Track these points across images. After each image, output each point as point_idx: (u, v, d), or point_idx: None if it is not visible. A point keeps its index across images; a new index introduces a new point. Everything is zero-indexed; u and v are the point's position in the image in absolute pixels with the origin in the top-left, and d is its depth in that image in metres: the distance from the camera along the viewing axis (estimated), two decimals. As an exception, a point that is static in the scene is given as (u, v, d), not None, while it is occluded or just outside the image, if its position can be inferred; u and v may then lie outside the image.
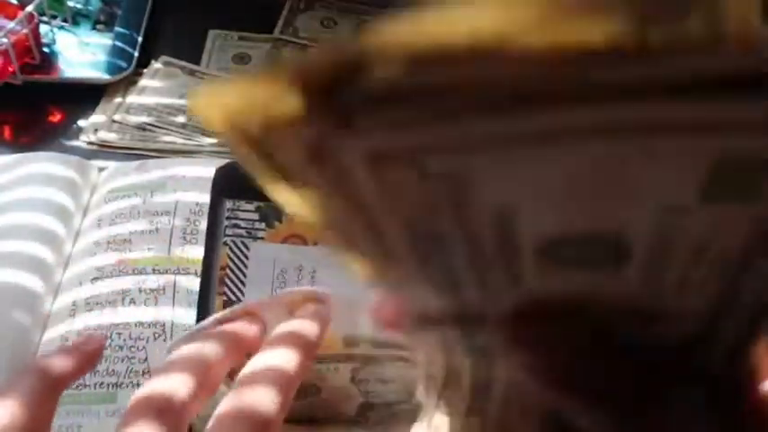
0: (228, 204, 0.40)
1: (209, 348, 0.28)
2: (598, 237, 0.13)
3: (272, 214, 0.40)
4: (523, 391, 0.18)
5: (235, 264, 0.39)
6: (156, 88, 0.62)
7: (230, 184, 0.41)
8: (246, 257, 0.39)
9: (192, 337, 0.29)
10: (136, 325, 0.45)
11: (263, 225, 0.40)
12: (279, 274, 0.39)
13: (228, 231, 0.40)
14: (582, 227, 0.13)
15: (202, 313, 0.38)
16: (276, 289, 0.39)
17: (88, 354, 0.30)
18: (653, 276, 0.14)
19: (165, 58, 0.65)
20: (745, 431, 0.16)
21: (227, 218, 0.40)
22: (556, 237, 0.13)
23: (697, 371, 0.16)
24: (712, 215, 0.12)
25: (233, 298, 0.38)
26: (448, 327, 0.18)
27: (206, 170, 0.54)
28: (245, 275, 0.39)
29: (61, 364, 0.29)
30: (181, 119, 0.60)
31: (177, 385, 0.26)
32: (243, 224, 0.40)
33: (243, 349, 0.29)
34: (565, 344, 0.16)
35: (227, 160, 0.43)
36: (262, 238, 0.40)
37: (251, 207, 0.40)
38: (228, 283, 0.38)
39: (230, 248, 0.39)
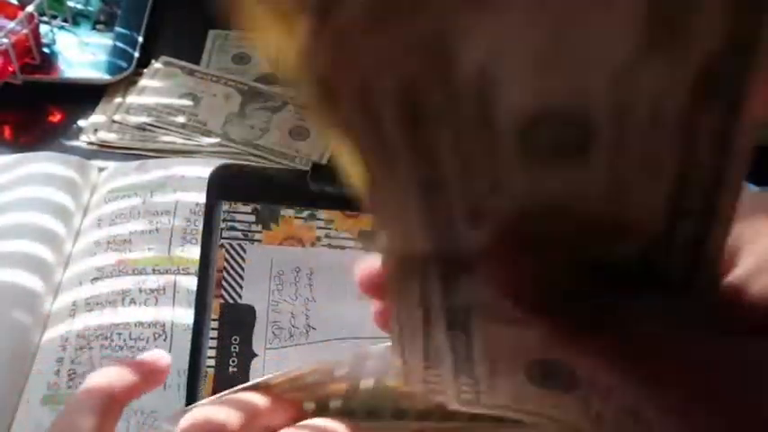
0: (225, 206, 0.40)
1: (257, 399, 0.28)
2: (568, 116, 0.14)
3: (268, 216, 0.40)
4: (505, 345, 0.20)
5: (231, 266, 0.39)
6: (155, 88, 0.62)
7: (226, 186, 0.41)
8: (243, 260, 0.39)
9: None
10: (136, 325, 0.45)
11: (259, 227, 0.39)
12: (276, 275, 0.39)
13: (225, 234, 0.39)
14: (551, 101, 0.14)
15: (200, 315, 0.38)
16: (273, 291, 0.39)
17: (154, 371, 0.30)
18: (617, 157, 0.15)
19: (165, 58, 0.65)
20: (719, 323, 0.17)
21: (224, 220, 0.39)
22: (530, 113, 0.14)
23: (656, 279, 0.17)
24: (656, 68, 0.13)
25: (230, 300, 0.38)
26: (430, 276, 0.19)
27: (206, 170, 0.54)
28: (242, 278, 0.39)
29: (126, 379, 0.29)
30: (181, 119, 0.60)
31: (230, 418, 0.27)
32: (239, 226, 0.39)
33: (285, 412, 0.29)
34: (542, 269, 0.17)
35: (224, 161, 0.43)
36: (259, 241, 0.40)
37: (247, 209, 0.40)
38: (225, 285, 0.38)
39: (227, 250, 0.39)
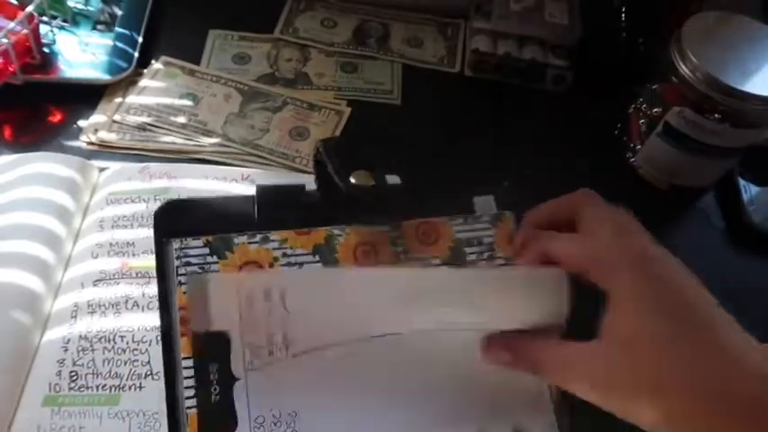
0: (176, 244, 0.38)
1: None
2: None
3: (222, 246, 0.38)
4: None
5: (196, 300, 0.37)
6: (156, 88, 0.62)
7: (173, 223, 0.39)
8: (207, 290, 0.37)
9: None
10: (139, 328, 0.45)
11: (214, 258, 0.38)
12: (245, 300, 0.37)
13: (181, 270, 0.38)
14: None
15: (168, 358, 0.36)
16: (243, 311, 0.37)
17: None
18: None
19: (165, 58, 0.65)
20: None
21: (177, 257, 0.38)
22: None
23: None
24: None
25: (200, 330, 0.37)
26: None
27: (209, 179, 0.54)
28: (209, 309, 0.37)
29: None
30: (181, 119, 0.60)
31: None
32: (194, 260, 0.38)
33: None
34: None
35: (169, 199, 0.39)
36: (216, 271, 0.38)
37: (199, 243, 0.38)
38: (193, 317, 0.37)
39: (188, 286, 0.37)
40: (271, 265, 0.39)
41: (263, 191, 0.40)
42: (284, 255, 0.39)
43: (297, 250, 0.40)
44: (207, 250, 0.38)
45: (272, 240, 0.39)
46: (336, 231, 0.40)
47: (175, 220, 0.39)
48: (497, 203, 0.44)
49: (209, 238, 0.38)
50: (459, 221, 0.43)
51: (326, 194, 0.41)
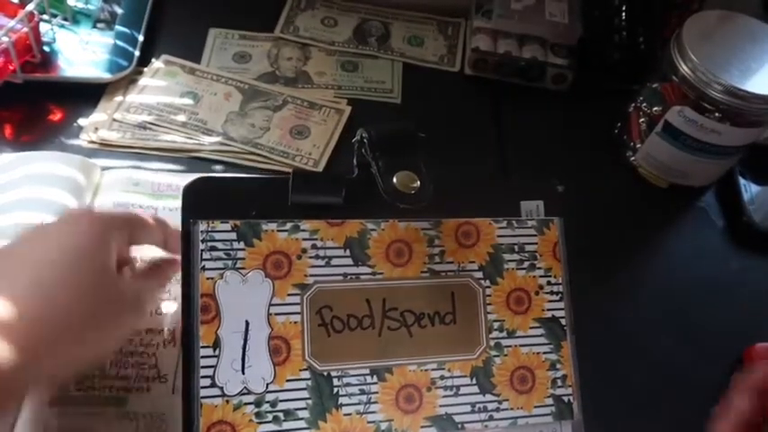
0: (202, 226, 0.36)
1: None
2: None
3: (250, 232, 0.37)
4: None
5: (218, 289, 0.36)
6: (156, 87, 0.62)
7: (202, 203, 0.37)
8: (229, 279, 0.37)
9: None
10: (146, 332, 0.45)
11: (241, 245, 0.37)
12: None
13: (206, 255, 0.36)
14: None
15: (187, 345, 0.36)
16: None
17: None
18: None
19: (165, 56, 0.65)
20: None
21: (203, 240, 0.36)
22: None
23: None
24: None
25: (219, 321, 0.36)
26: None
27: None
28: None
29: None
30: (181, 118, 0.60)
31: None
32: (220, 245, 0.36)
33: None
34: None
35: (200, 175, 0.38)
36: (242, 258, 0.37)
37: (227, 227, 0.37)
38: (214, 308, 0.36)
39: (212, 272, 0.37)
40: (299, 257, 0.38)
41: (300, 175, 0.39)
42: (313, 246, 0.38)
43: (327, 242, 0.38)
44: (234, 235, 0.37)
45: (303, 230, 0.38)
46: (371, 225, 0.39)
47: (205, 199, 0.37)
48: (546, 209, 0.42)
49: (237, 223, 0.37)
50: (503, 224, 0.41)
51: (365, 185, 0.39)
